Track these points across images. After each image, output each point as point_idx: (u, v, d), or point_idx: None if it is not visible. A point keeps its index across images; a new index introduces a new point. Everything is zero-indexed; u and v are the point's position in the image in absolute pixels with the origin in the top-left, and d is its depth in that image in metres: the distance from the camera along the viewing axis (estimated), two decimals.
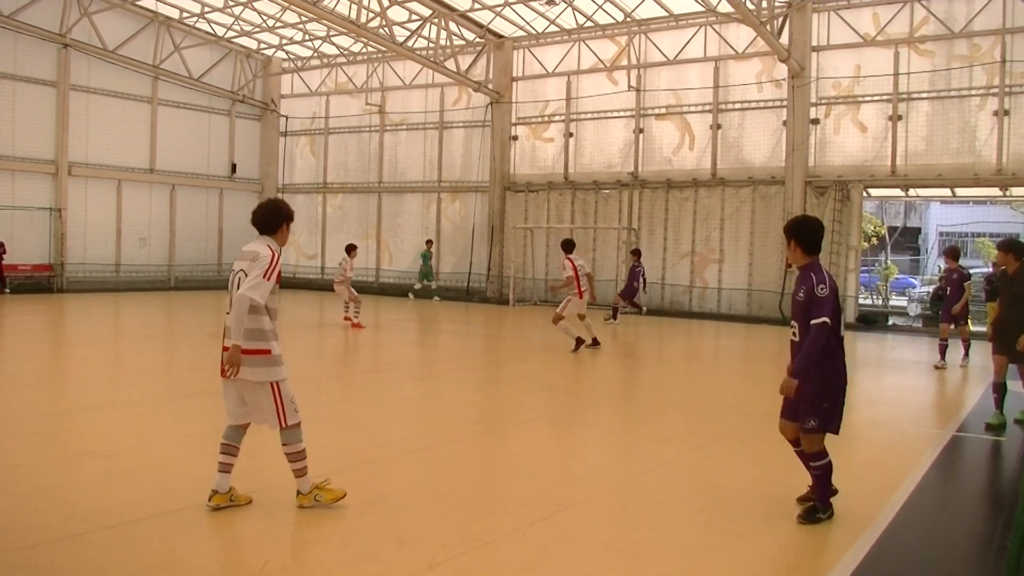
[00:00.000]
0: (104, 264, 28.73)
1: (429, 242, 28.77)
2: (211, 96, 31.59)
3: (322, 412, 9.61)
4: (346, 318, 19.25)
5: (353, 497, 6.01)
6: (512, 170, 28.12)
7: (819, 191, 22.58)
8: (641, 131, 25.59)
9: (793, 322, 5.95)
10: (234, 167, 32.59)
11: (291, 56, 32.85)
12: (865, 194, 23.25)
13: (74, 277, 27.67)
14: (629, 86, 25.56)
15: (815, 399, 5.79)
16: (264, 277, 5.60)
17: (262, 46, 32.12)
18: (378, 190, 31.25)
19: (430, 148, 30.07)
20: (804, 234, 5.93)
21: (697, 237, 24.57)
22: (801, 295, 5.80)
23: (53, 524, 5.29)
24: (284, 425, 5.71)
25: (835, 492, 6.01)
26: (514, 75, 28.09)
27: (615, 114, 26.08)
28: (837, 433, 5.88)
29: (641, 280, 22.29)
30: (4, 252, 24.81)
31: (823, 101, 22.80)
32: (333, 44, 30.60)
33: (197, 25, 29.88)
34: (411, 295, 28.02)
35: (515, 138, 28.12)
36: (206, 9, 28.42)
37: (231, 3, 27.41)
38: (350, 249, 19.94)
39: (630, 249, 23.61)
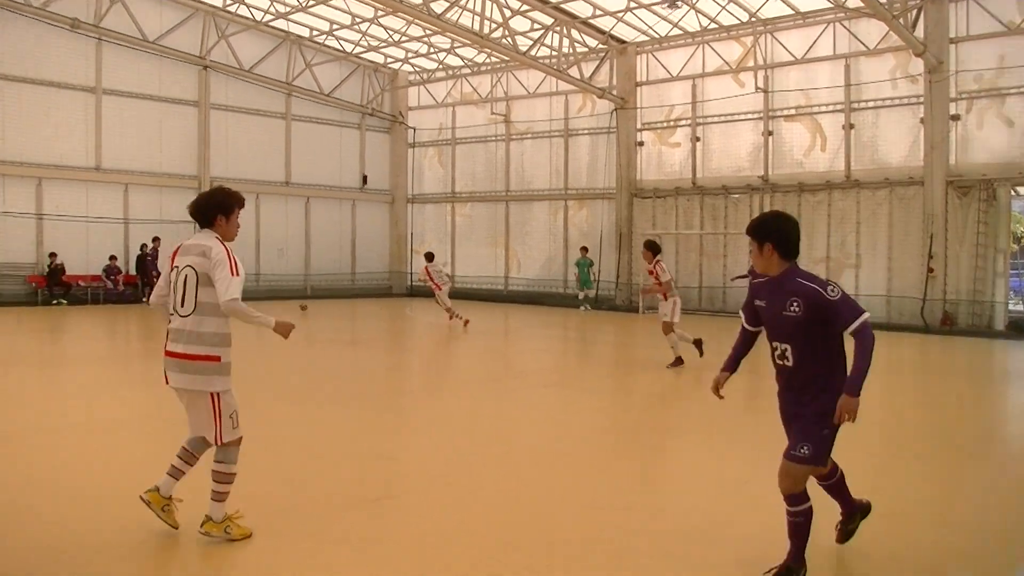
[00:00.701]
0: (245, 274, 29.90)
1: (584, 249, 28.05)
2: (342, 110, 32.60)
3: (456, 416, 9.75)
4: (457, 316, 20.83)
5: (483, 506, 6.06)
6: (639, 176, 27.91)
7: (962, 191, 21.55)
8: (770, 133, 25.00)
9: (779, 343, 4.82)
10: (365, 178, 33.54)
11: (417, 69, 33.55)
12: (1013, 193, 22.02)
13: None
14: (756, 87, 25.02)
15: (815, 422, 4.71)
16: (233, 274, 5.21)
17: (389, 60, 32.93)
18: (505, 199, 31.56)
19: (556, 156, 30.19)
20: (781, 235, 4.77)
21: (832, 241, 23.77)
22: (796, 308, 4.64)
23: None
24: (220, 442, 5.29)
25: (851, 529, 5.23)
26: (638, 80, 27.88)
27: (743, 117, 25.56)
28: (825, 467, 4.95)
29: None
30: (154, 262, 26.25)
31: (964, 95, 21.73)
32: (457, 56, 31.09)
33: (326, 42, 30.91)
34: (584, 307, 27.08)
35: (641, 144, 27.91)
36: (335, 26, 29.34)
37: (358, 20, 28.20)
38: (432, 257, 22.00)
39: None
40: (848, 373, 4.63)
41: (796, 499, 4.73)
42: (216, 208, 5.39)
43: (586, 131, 29.35)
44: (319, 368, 14.42)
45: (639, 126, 27.84)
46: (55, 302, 24.96)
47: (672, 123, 27.21)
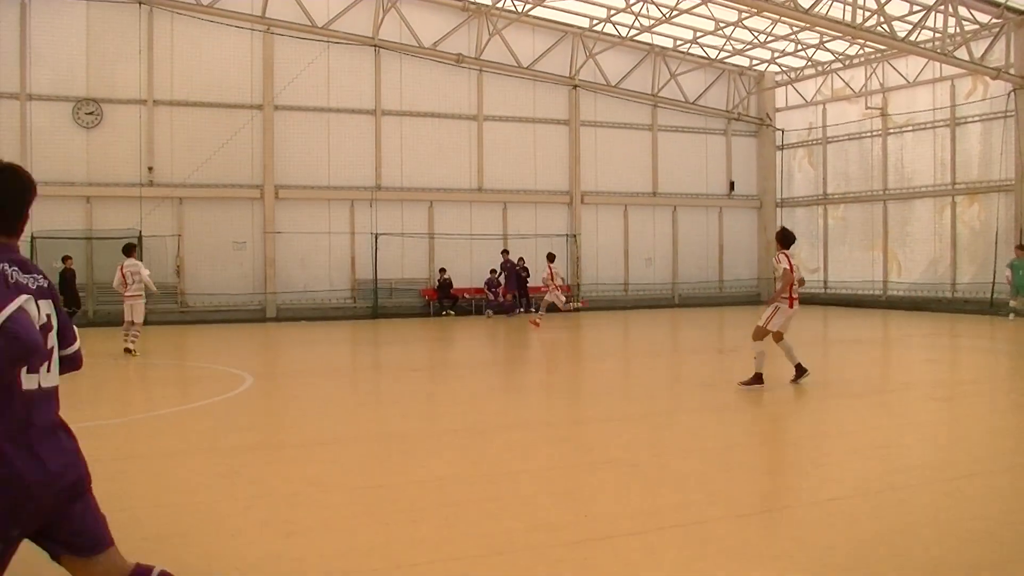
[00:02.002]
0: (614, 284, 30.86)
1: (1020, 248, 23.49)
2: (706, 117, 32.43)
3: (834, 429, 9.25)
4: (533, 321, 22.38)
5: (875, 525, 5.63)
6: None
7: None
8: None
9: None
10: (732, 185, 33.04)
11: (784, 68, 32.47)
12: None
13: (587, 296, 30.08)
14: None
15: None
16: None
17: (754, 62, 32.19)
18: (883, 198, 29.46)
19: (940, 148, 27.62)
20: None
21: None
22: None
23: (582, 524, 5.68)
24: None
25: None
26: None
27: None
28: None
29: None
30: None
31: None
32: (827, 50, 29.62)
33: (690, 51, 30.90)
34: (1011, 315, 22.96)
35: None
36: (698, 34, 29.27)
37: (722, 25, 27.86)
38: (554, 257, 23.43)
39: None
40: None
41: None
42: None
43: (977, 118, 26.51)
44: (691, 376, 14.38)
45: None
46: (444, 313, 27.32)
47: None
